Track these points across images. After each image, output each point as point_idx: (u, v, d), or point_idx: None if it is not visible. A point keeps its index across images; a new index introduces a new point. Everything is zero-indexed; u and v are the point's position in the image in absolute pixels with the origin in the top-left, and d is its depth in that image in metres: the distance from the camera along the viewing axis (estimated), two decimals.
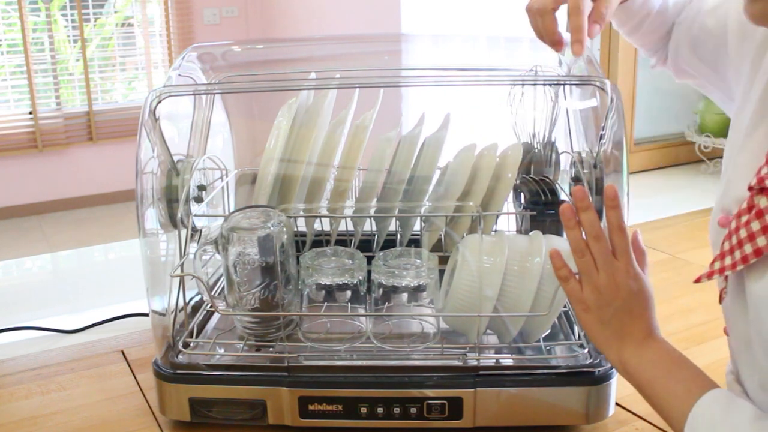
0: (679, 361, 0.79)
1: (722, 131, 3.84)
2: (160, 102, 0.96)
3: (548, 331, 1.00)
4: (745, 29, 0.85)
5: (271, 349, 1.00)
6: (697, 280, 0.75)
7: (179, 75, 1.06)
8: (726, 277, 0.74)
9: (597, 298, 0.81)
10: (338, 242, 1.15)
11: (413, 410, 0.92)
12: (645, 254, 0.84)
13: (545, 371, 0.94)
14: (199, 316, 1.06)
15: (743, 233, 0.69)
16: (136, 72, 5.45)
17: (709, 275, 0.74)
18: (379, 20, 3.99)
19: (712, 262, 0.74)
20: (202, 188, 1.08)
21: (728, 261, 0.71)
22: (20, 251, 4.38)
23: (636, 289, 0.80)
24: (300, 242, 1.16)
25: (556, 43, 0.87)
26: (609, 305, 0.80)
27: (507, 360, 0.98)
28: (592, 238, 0.80)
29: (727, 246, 0.72)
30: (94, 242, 4.02)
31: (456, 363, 0.95)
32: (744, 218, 0.70)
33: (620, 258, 0.80)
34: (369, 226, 1.15)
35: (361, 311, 1.02)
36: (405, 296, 0.99)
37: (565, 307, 1.05)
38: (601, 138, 0.94)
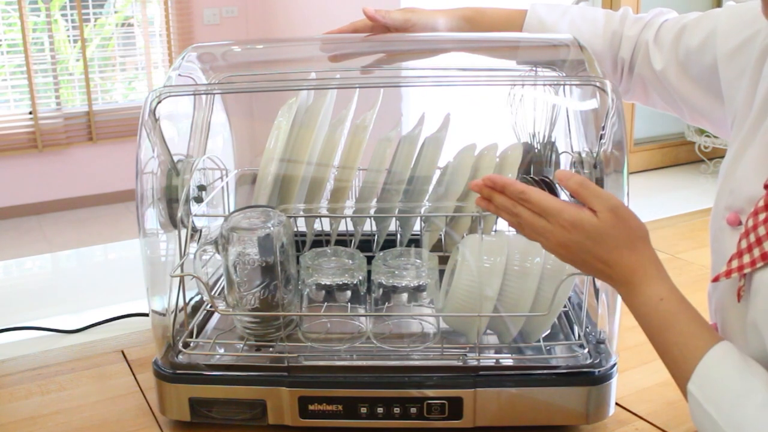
0: (667, 317, 0.75)
1: None
2: (160, 102, 0.96)
3: (548, 331, 1.00)
4: (737, 46, 0.85)
5: (271, 349, 1.00)
6: (715, 279, 0.74)
7: (179, 75, 1.06)
8: (744, 275, 0.73)
9: (561, 256, 0.80)
10: (338, 242, 1.15)
11: (413, 410, 0.92)
12: (583, 184, 0.79)
13: (545, 371, 0.94)
14: (199, 316, 1.06)
15: (762, 231, 0.69)
16: (136, 72, 5.45)
17: (728, 274, 0.73)
18: None
19: (730, 261, 0.73)
20: (202, 188, 1.08)
21: (747, 259, 0.71)
22: (20, 251, 4.38)
23: (583, 237, 0.77)
24: (300, 242, 1.16)
25: None
26: (576, 261, 0.79)
27: (507, 360, 0.98)
28: (514, 215, 0.81)
29: (744, 244, 0.72)
30: (94, 242, 4.02)
31: (456, 363, 0.95)
32: (762, 216, 0.70)
33: (547, 218, 0.79)
34: (369, 226, 1.15)
35: (361, 311, 1.02)
36: (405, 296, 0.99)
37: (565, 307, 1.05)
38: (601, 138, 0.94)
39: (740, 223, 0.78)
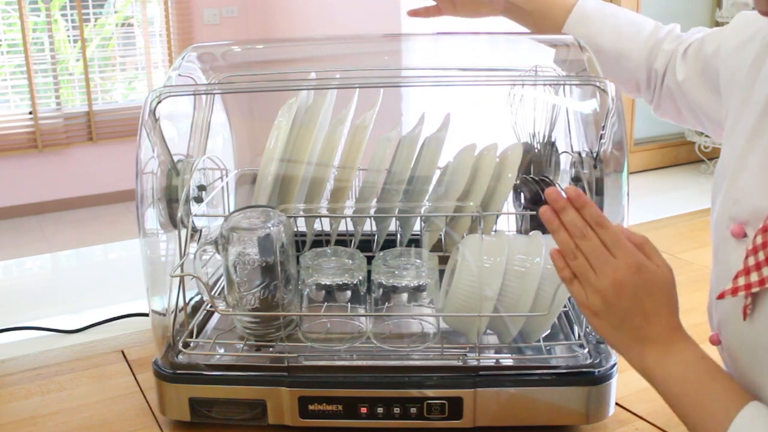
0: (709, 371, 0.73)
1: None
2: (160, 102, 0.96)
3: (548, 331, 1.00)
4: (739, 43, 0.85)
5: (271, 349, 1.00)
6: (721, 296, 0.72)
7: (179, 75, 1.06)
8: (751, 293, 0.71)
9: (602, 301, 0.74)
10: (338, 242, 1.15)
11: (413, 410, 0.92)
12: (647, 241, 0.76)
13: (545, 371, 0.94)
14: (199, 316, 1.06)
15: None
16: (136, 72, 5.45)
17: (734, 291, 0.71)
18: (379, 20, 3.99)
19: (736, 277, 0.71)
20: (202, 188, 1.08)
21: (755, 277, 0.69)
22: (20, 251, 4.38)
23: (643, 283, 0.73)
24: (300, 242, 1.16)
25: None
26: (616, 307, 0.74)
27: (507, 360, 0.98)
28: (578, 238, 0.75)
29: (752, 261, 0.70)
30: (94, 242, 4.02)
31: (456, 363, 0.95)
32: None
33: (615, 252, 0.74)
34: (369, 226, 1.15)
35: (361, 311, 1.02)
36: (405, 296, 0.99)
37: (565, 307, 1.05)
38: (601, 138, 0.94)
39: (745, 236, 0.76)
